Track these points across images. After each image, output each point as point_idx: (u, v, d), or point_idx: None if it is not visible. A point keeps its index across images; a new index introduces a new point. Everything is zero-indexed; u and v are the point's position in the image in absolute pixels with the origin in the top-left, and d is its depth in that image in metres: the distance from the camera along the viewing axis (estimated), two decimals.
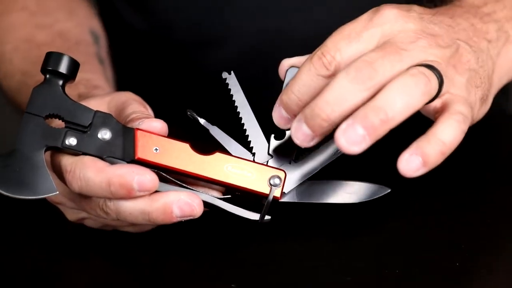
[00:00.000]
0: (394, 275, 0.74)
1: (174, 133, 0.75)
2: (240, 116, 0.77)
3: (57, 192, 0.72)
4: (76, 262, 0.79)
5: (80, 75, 0.76)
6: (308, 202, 0.77)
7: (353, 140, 0.68)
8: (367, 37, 0.73)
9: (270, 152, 0.76)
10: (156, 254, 0.79)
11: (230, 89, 0.77)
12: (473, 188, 0.90)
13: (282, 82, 0.77)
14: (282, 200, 0.75)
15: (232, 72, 0.77)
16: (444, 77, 0.72)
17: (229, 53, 1.06)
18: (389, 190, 0.78)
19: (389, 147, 0.76)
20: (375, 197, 0.78)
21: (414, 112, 0.70)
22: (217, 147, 0.75)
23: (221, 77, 0.77)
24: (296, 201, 0.76)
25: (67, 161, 0.72)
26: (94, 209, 0.74)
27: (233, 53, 1.06)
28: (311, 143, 0.72)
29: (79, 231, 0.81)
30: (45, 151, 0.72)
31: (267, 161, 0.76)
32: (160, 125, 0.73)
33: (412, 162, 0.69)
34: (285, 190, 0.75)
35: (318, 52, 0.72)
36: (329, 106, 0.69)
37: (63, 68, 0.74)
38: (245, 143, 0.77)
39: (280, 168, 0.75)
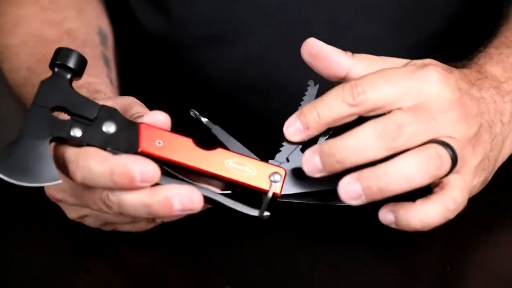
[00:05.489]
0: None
1: (176, 132, 0.76)
2: None
3: (60, 181, 0.72)
4: (76, 264, 0.80)
5: (84, 78, 0.77)
6: (308, 203, 0.78)
7: (351, 195, 0.73)
8: (404, 87, 0.75)
9: (289, 157, 0.77)
10: (152, 256, 0.80)
11: (305, 95, 0.79)
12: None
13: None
14: (281, 199, 0.76)
15: (318, 85, 0.79)
16: (459, 158, 0.74)
17: (241, 52, 1.07)
18: None
19: None
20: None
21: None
22: (219, 145, 0.76)
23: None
24: (295, 200, 0.77)
25: (71, 151, 0.73)
26: (96, 203, 0.75)
27: (246, 52, 1.07)
28: (317, 175, 0.74)
29: (79, 232, 0.82)
30: (50, 141, 0.74)
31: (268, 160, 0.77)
32: (163, 117, 0.75)
33: (386, 216, 0.75)
34: (283, 192, 0.76)
35: (352, 82, 0.75)
36: (347, 152, 0.73)
37: (71, 63, 0.75)
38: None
39: (281, 166, 0.76)
